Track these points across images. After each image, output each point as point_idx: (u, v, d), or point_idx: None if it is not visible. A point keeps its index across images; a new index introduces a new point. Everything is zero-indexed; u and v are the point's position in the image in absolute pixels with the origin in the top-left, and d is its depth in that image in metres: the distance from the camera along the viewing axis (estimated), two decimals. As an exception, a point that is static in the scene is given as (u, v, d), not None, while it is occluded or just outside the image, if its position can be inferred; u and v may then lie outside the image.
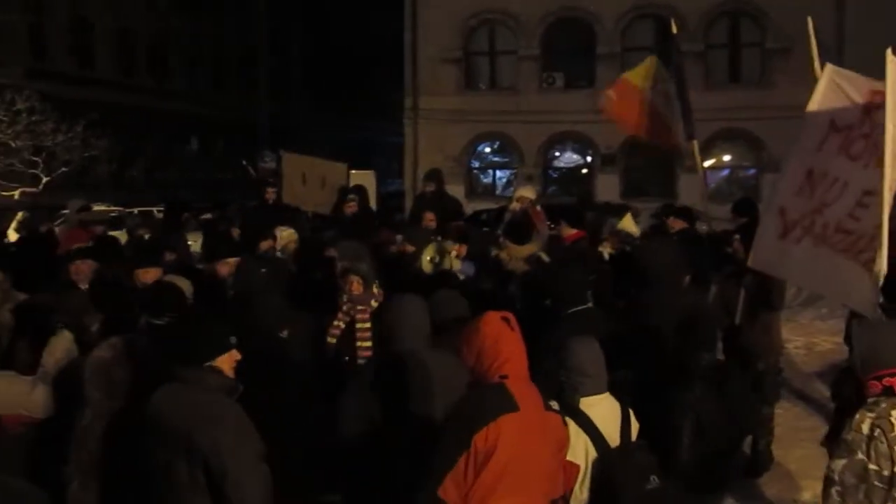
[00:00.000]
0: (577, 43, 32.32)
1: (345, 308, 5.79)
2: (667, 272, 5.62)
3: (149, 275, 6.16)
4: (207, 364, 3.79)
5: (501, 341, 3.54)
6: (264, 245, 7.20)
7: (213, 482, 3.61)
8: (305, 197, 11.52)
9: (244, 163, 11.81)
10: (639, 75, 10.47)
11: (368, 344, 5.68)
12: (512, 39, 32.84)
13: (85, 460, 4.24)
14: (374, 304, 5.90)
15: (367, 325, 5.75)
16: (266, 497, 3.70)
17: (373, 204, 15.43)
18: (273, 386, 4.03)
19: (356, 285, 5.83)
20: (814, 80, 5.92)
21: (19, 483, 3.06)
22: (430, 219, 9.35)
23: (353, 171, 14.72)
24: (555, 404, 3.71)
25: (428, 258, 7.05)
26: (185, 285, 5.73)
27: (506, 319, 3.61)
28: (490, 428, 3.38)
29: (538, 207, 9.81)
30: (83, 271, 5.98)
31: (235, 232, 8.52)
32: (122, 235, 11.07)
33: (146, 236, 9.40)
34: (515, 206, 9.88)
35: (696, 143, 10.11)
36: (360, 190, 11.32)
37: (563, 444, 3.76)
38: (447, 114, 31.77)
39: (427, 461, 3.50)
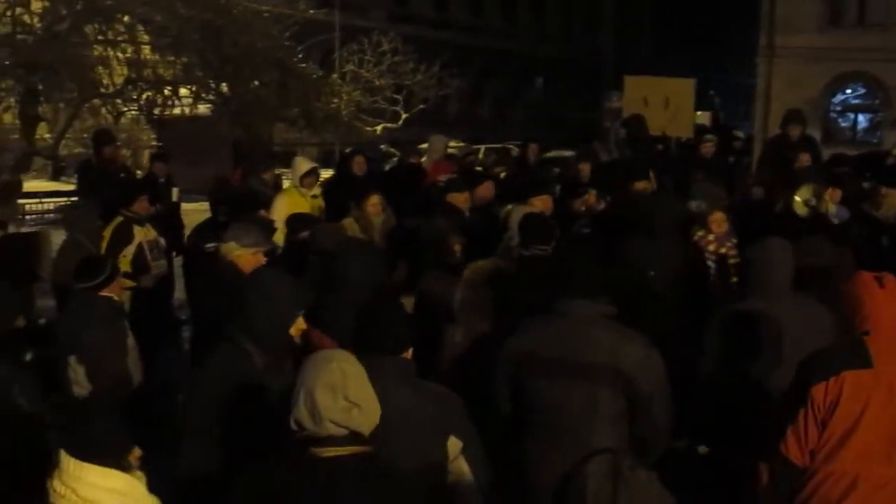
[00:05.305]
0: (969, -31, 28.73)
1: (711, 248, 5.83)
2: None
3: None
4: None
5: (865, 296, 3.35)
6: (639, 185, 7.15)
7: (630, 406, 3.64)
8: (648, 121, 11.18)
9: None
10: None
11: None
12: (887, -31, 29.87)
13: (448, 374, 4.55)
14: (734, 240, 5.99)
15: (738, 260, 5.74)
16: None
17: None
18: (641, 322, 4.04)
19: (720, 224, 5.85)
20: None
21: (441, 388, 3.42)
22: (804, 160, 8.81)
23: (697, 112, 14.21)
24: None
25: (802, 199, 6.70)
26: None
27: (878, 278, 3.40)
28: (830, 383, 3.23)
29: None
30: (459, 201, 6.43)
31: (584, 168, 8.77)
32: None
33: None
34: None
35: None
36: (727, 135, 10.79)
37: None
38: (806, 52, 29.66)
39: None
